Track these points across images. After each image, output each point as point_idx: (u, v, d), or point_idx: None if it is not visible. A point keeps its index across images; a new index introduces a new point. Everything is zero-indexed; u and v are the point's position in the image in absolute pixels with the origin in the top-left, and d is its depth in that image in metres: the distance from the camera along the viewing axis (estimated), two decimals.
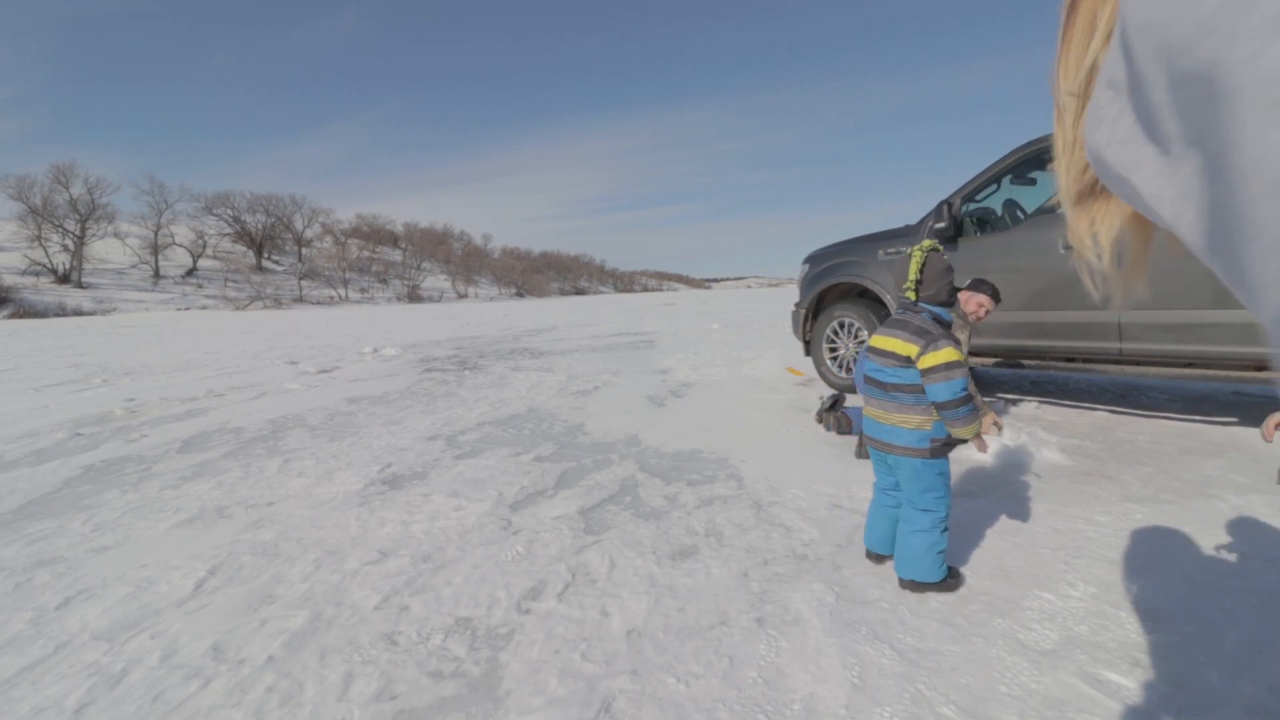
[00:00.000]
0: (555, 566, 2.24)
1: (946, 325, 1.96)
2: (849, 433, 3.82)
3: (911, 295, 1.97)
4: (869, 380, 2.03)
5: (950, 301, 1.99)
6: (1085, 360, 3.73)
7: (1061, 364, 3.83)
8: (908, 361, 1.89)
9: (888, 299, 4.57)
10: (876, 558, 2.15)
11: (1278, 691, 1.47)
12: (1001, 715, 1.42)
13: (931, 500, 1.92)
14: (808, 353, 5.39)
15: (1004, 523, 2.44)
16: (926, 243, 1.99)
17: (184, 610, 2.04)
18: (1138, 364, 3.48)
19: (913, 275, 1.95)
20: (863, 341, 3.34)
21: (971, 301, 3.15)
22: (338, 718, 1.50)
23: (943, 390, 1.81)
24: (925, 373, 1.84)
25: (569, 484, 3.16)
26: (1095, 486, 2.78)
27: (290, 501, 3.05)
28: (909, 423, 1.91)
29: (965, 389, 1.83)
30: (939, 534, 1.91)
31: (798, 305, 5.43)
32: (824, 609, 1.88)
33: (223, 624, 1.94)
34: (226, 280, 48.28)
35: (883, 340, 1.98)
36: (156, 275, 47.41)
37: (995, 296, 3.14)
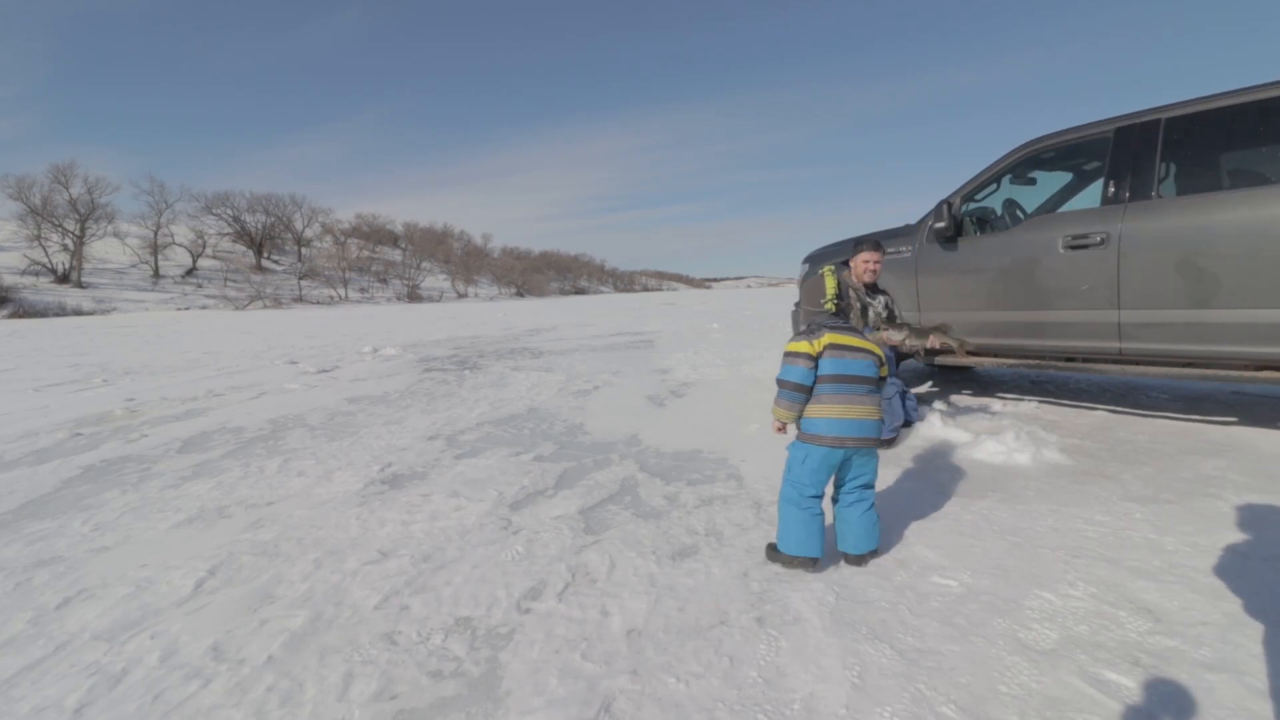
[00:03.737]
0: (555, 566, 2.24)
1: None
2: None
3: (831, 308, 2.20)
4: (854, 379, 2.10)
5: (847, 315, 2.28)
6: (1085, 360, 3.73)
7: (1061, 363, 3.83)
8: (880, 362, 2.16)
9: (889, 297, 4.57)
10: (817, 562, 2.10)
11: (1277, 696, 1.47)
12: (1002, 715, 1.42)
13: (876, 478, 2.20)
14: None
15: (1004, 522, 2.44)
16: (830, 267, 2.30)
17: (184, 610, 2.04)
18: (1137, 363, 3.48)
19: (831, 292, 2.20)
20: None
21: (860, 264, 3.80)
22: (338, 718, 1.50)
23: (892, 382, 2.24)
24: (887, 374, 2.21)
25: (569, 484, 3.16)
26: (1095, 486, 2.78)
27: (290, 501, 3.05)
28: (881, 414, 2.16)
29: None
30: None
31: (798, 305, 5.44)
32: (824, 608, 1.88)
33: (223, 624, 1.94)
34: (226, 280, 48.25)
35: (855, 339, 2.14)
36: (156, 275, 47.38)
37: (877, 247, 3.80)
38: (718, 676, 1.59)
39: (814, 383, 2.10)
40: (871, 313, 3.87)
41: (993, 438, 3.33)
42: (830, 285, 2.21)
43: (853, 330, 2.16)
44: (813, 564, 2.09)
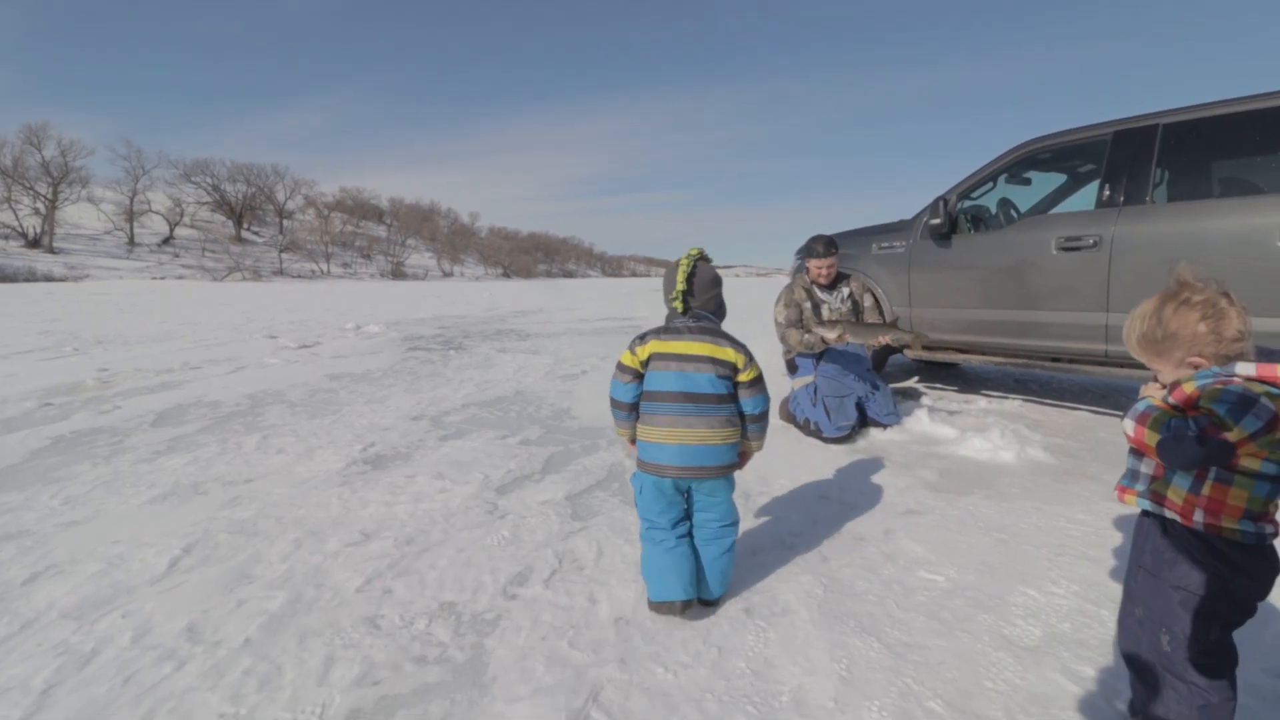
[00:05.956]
0: (542, 552, 2.22)
1: None
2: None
3: (679, 306, 1.81)
4: (682, 396, 1.72)
5: (719, 314, 1.89)
6: (1071, 360, 3.77)
7: (1047, 363, 3.86)
8: (734, 370, 1.75)
9: (879, 292, 4.57)
10: (685, 605, 1.74)
11: (1272, 673, 1.50)
12: (987, 710, 1.42)
13: (735, 512, 1.85)
14: None
15: (989, 520, 2.46)
16: (694, 250, 1.85)
17: (157, 589, 1.98)
18: (1122, 366, 3.52)
19: (680, 285, 1.79)
20: None
21: (814, 269, 3.80)
22: (318, 702, 1.47)
23: (763, 401, 1.79)
24: (750, 383, 1.76)
25: (556, 468, 3.13)
26: (1077, 485, 2.82)
27: (269, 479, 2.98)
28: (732, 437, 1.76)
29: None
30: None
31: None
32: (812, 601, 1.88)
33: (198, 604, 1.89)
34: (204, 250, 47.05)
35: (694, 346, 1.74)
36: (131, 243, 46.06)
37: (828, 252, 3.73)
38: (706, 667, 1.58)
39: (637, 398, 1.78)
40: (826, 309, 3.85)
41: (978, 434, 3.36)
42: (681, 277, 1.79)
43: (706, 332, 1.77)
44: (676, 608, 1.73)
